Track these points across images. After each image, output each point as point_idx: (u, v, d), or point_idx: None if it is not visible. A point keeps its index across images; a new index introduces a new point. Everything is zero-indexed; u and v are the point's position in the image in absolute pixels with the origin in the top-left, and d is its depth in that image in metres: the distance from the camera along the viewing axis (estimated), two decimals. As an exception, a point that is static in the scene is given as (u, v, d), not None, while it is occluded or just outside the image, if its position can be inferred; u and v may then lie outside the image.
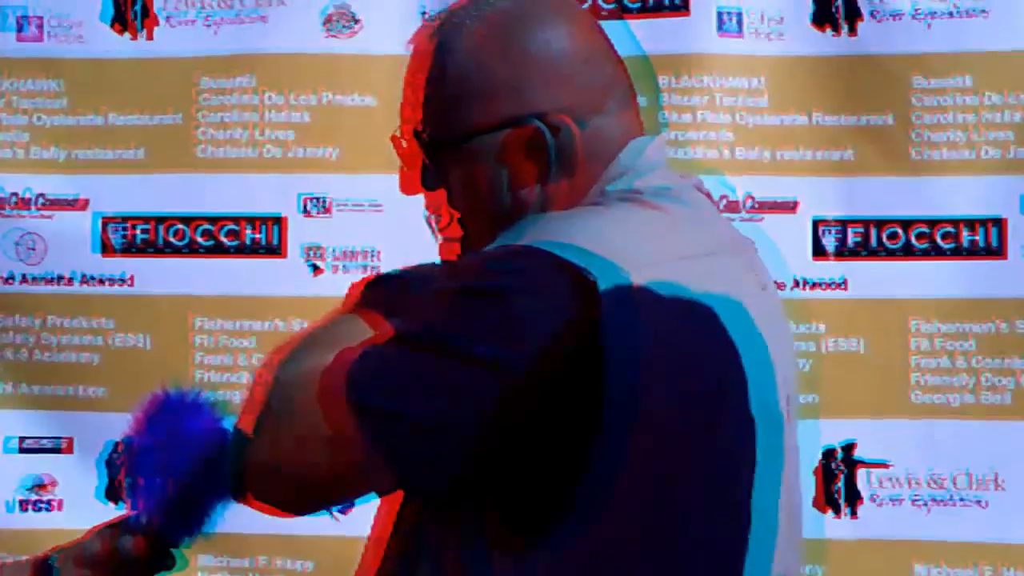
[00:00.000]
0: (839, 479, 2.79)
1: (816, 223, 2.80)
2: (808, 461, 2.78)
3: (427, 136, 1.29)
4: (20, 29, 2.94)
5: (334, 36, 2.88)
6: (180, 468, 1.57)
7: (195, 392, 1.62)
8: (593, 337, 1.11)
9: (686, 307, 1.18)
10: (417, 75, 1.31)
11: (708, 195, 1.39)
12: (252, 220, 2.89)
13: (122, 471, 2.91)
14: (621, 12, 2.81)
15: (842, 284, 2.79)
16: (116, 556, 1.63)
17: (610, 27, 1.43)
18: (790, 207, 2.79)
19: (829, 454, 2.80)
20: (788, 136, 2.80)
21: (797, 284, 2.79)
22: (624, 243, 1.18)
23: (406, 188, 1.37)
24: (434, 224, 1.42)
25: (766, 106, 2.81)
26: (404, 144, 1.34)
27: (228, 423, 1.65)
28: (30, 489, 2.92)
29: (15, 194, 2.92)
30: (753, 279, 1.34)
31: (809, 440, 2.75)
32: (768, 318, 1.29)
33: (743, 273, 1.32)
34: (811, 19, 2.78)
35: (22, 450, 2.91)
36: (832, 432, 2.80)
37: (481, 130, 1.25)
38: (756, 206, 2.79)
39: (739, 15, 2.77)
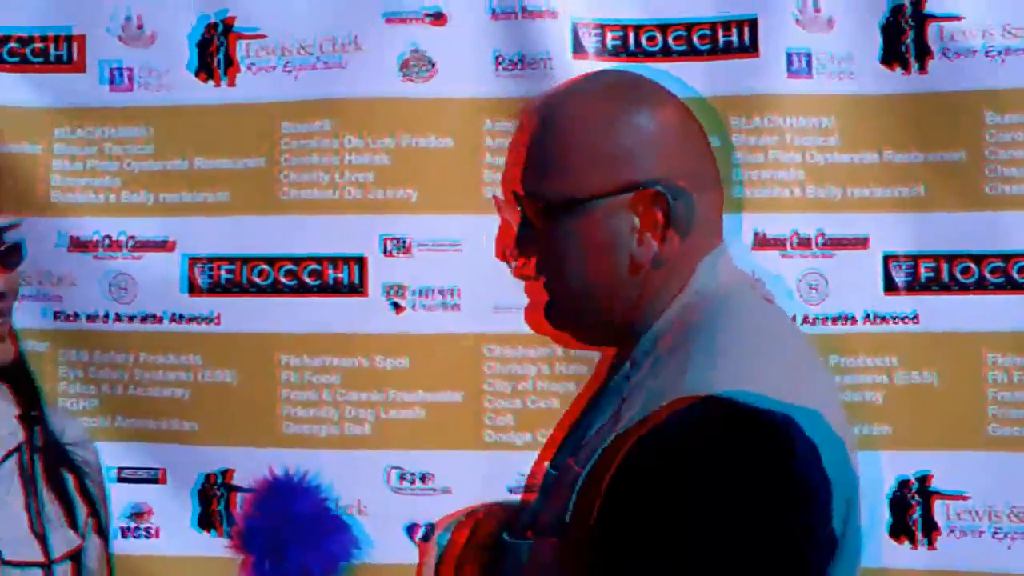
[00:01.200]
0: (914, 510, 2.82)
1: (887, 258, 2.82)
2: (882, 491, 2.83)
3: (536, 200, 1.37)
4: (112, 81, 3.04)
5: (410, 80, 2.95)
6: (289, 548, 1.72)
7: (301, 474, 1.76)
8: None
9: None
10: (528, 142, 1.39)
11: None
12: (334, 260, 2.96)
13: (214, 502, 3.03)
14: (692, 54, 2.85)
15: (913, 318, 2.82)
16: None
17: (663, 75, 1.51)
18: (862, 243, 2.83)
19: (904, 485, 2.83)
20: (859, 173, 2.82)
21: (868, 319, 2.82)
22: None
23: (498, 252, 1.45)
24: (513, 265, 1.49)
25: (837, 144, 2.84)
26: (508, 209, 1.42)
27: (332, 503, 1.79)
28: (129, 517, 3.04)
29: (108, 236, 3.04)
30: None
31: (882, 470, 2.80)
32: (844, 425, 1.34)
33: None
34: (880, 58, 2.80)
35: (120, 479, 3.02)
36: (907, 463, 2.83)
37: (601, 194, 1.34)
38: (827, 243, 2.82)
39: (808, 55, 2.81)
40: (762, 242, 2.82)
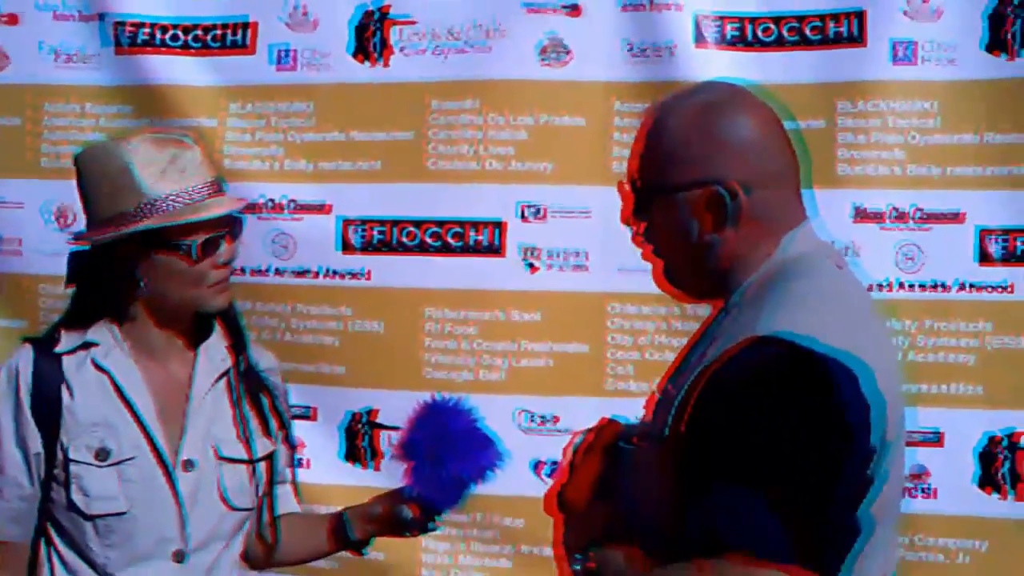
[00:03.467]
0: (1001, 464, 3.06)
1: (981, 232, 3.06)
2: (971, 445, 3.09)
3: (640, 185, 1.71)
4: (279, 61, 3.39)
5: (548, 65, 3.25)
6: (445, 457, 2.02)
7: (456, 398, 2.07)
8: None
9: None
10: (641, 140, 1.73)
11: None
12: (476, 224, 3.28)
13: (360, 437, 3.34)
14: (803, 44, 3.12)
15: (1007, 287, 3.06)
16: (394, 518, 2.10)
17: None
18: (957, 218, 3.07)
19: (992, 440, 3.07)
20: (957, 154, 3.06)
21: (963, 287, 3.07)
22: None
23: (624, 220, 1.78)
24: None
25: (937, 126, 3.07)
26: (626, 188, 1.76)
27: (481, 423, 2.07)
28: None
29: (271, 200, 3.38)
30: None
31: (973, 426, 3.05)
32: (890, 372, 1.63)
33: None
34: (983, 46, 3.04)
35: None
36: (996, 421, 3.07)
37: (680, 187, 1.66)
38: (923, 217, 3.07)
39: (912, 44, 3.06)
40: (862, 215, 3.07)
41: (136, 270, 2.06)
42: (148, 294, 2.09)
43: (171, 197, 2.03)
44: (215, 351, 2.19)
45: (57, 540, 2.10)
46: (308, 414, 3.38)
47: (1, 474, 2.09)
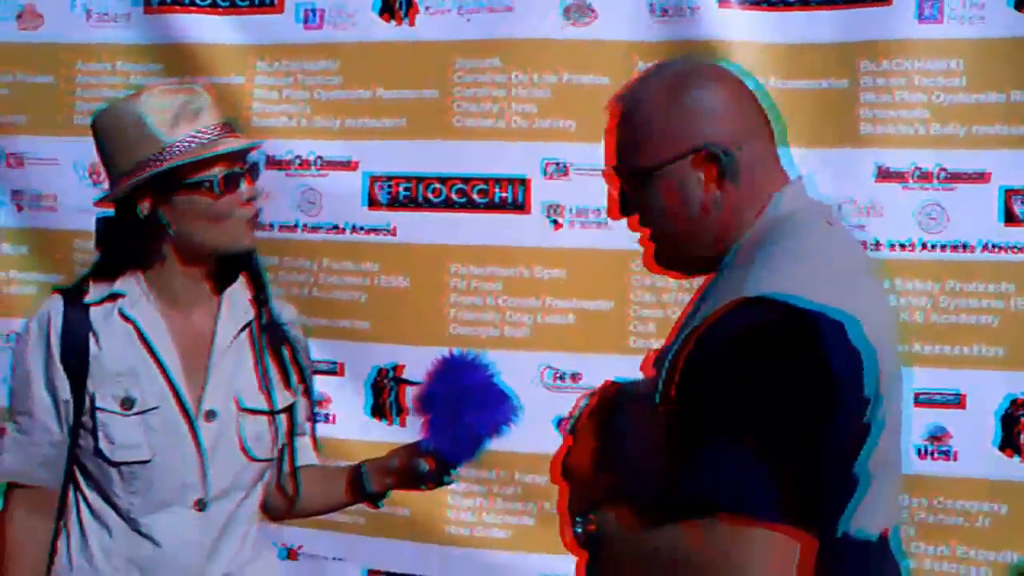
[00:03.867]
0: (1023, 427, 3.07)
1: (1007, 192, 3.05)
2: (994, 408, 3.09)
3: (627, 176, 1.74)
4: (306, 20, 3.42)
5: (572, 24, 3.27)
6: (461, 411, 2.05)
7: (474, 353, 2.09)
8: None
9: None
10: (615, 132, 1.76)
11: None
12: (500, 181, 3.31)
13: (385, 393, 3.39)
14: (827, 4, 3.10)
15: (1032, 249, 3.04)
16: (411, 471, 2.14)
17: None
18: (982, 178, 3.06)
19: (1014, 403, 3.07)
20: (983, 113, 3.04)
21: (986, 248, 3.07)
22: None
23: (612, 213, 1.82)
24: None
25: (962, 85, 3.05)
26: (610, 187, 1.79)
27: (498, 379, 2.10)
28: (309, 405, 3.42)
29: (299, 156, 3.42)
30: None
31: (995, 389, 3.06)
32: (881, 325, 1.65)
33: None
34: (1012, 3, 3.00)
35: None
36: (1018, 383, 3.07)
37: (671, 160, 1.69)
38: (948, 176, 3.07)
39: (939, 2, 3.03)
40: (885, 175, 3.07)
41: (161, 216, 2.11)
42: (175, 239, 2.13)
43: (185, 139, 2.07)
44: (238, 302, 2.24)
45: (84, 486, 2.16)
46: (334, 369, 3.44)
47: (32, 420, 2.15)
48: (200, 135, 2.09)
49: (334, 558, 3.49)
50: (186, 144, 2.07)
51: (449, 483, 2.21)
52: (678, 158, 1.68)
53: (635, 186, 1.72)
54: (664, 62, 1.85)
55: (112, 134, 2.13)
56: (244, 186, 2.13)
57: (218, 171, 2.09)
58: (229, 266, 2.23)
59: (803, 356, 1.52)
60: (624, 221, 1.77)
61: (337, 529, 3.46)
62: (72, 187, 3.57)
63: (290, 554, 3.52)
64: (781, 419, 1.50)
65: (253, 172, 2.16)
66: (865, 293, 1.66)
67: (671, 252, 1.76)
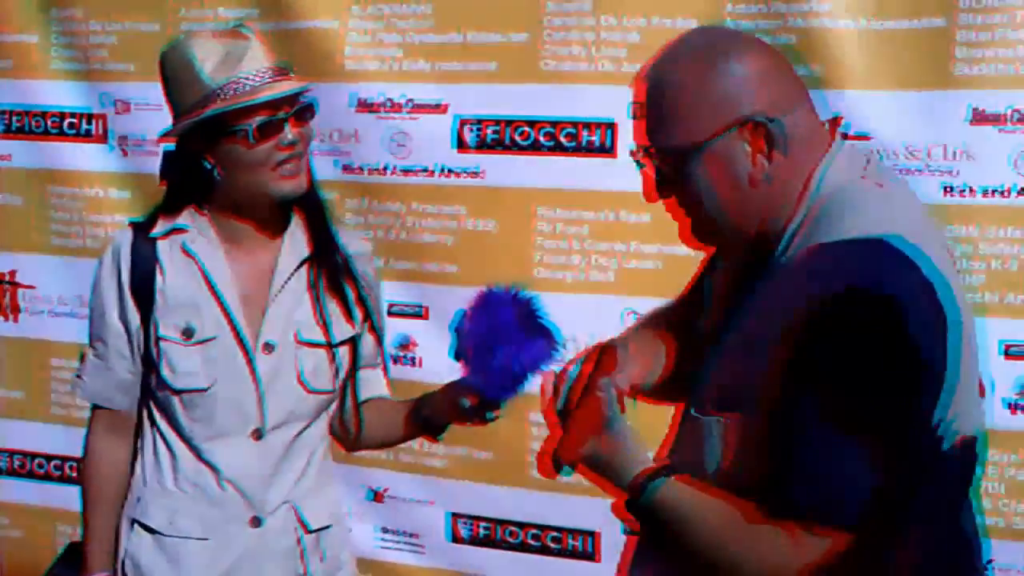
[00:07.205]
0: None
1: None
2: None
3: (664, 154, 1.68)
4: (400, -38, 3.43)
5: (664, -33, 3.20)
6: (497, 347, 2.02)
7: (515, 288, 2.06)
8: None
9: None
10: (646, 108, 1.70)
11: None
12: (588, 124, 3.28)
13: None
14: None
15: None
16: (457, 407, 2.15)
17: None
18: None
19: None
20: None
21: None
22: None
23: (648, 197, 1.77)
24: None
25: None
26: (643, 167, 1.74)
27: (542, 311, 2.05)
28: (398, 347, 3.47)
29: (390, 99, 3.45)
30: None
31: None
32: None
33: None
34: None
35: (390, 314, 3.33)
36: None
37: (716, 135, 1.64)
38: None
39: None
40: (980, 118, 2.94)
41: (206, 160, 2.15)
42: (223, 183, 2.18)
43: (228, 84, 2.10)
44: (299, 239, 2.28)
45: (155, 412, 2.26)
46: (420, 312, 3.48)
47: (107, 347, 2.26)
48: (245, 80, 2.11)
49: (419, 501, 3.54)
50: (230, 89, 2.10)
51: (493, 419, 2.20)
52: (724, 130, 1.63)
53: (675, 164, 1.67)
54: (686, 34, 1.78)
55: (169, 74, 2.19)
56: (288, 129, 2.15)
57: (257, 119, 2.11)
58: (290, 207, 2.27)
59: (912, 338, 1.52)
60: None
61: (422, 472, 3.51)
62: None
63: (376, 496, 3.58)
64: (898, 426, 1.53)
65: (301, 115, 2.18)
66: (940, 250, 1.63)
67: (711, 227, 1.71)
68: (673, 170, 1.67)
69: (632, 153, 1.76)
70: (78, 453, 2.39)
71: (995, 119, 2.93)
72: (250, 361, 2.19)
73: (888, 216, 1.61)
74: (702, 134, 1.64)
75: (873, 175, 1.71)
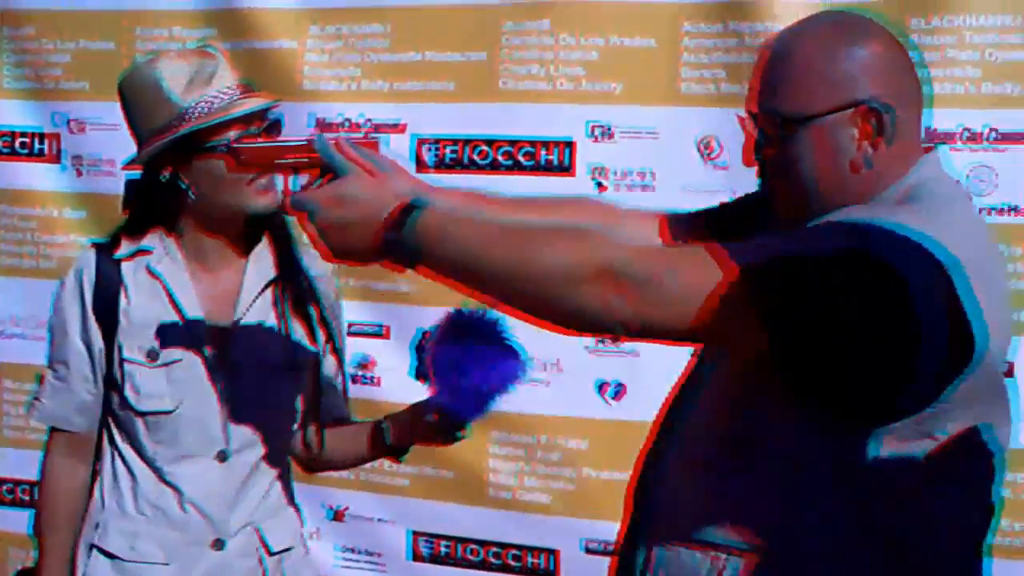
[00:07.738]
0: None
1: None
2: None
3: (772, 118, 1.69)
4: (357, -18, 3.43)
5: (620, -15, 3.23)
6: (466, 367, 2.02)
7: (482, 309, 2.05)
8: None
9: None
10: (765, 72, 1.71)
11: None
12: (546, 143, 3.30)
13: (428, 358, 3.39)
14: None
15: (1084, 210, 2.95)
16: (422, 427, 2.15)
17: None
18: (1031, 138, 2.96)
19: None
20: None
21: (1039, 210, 2.97)
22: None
23: (746, 160, 1.76)
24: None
25: (1019, 42, 2.95)
26: (749, 126, 1.74)
27: (508, 332, 2.06)
28: (357, 365, 3.46)
29: (348, 119, 3.45)
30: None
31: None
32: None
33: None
34: None
35: (349, 333, 3.38)
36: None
37: (829, 111, 1.65)
38: (999, 137, 2.98)
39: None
40: (930, 136, 2.97)
41: (181, 180, 2.15)
42: (196, 201, 2.17)
43: (199, 103, 2.10)
44: (264, 260, 2.27)
45: (116, 433, 2.23)
46: (380, 332, 3.47)
47: (68, 369, 2.23)
48: (216, 98, 2.12)
49: (380, 519, 3.53)
50: (203, 107, 2.10)
51: (460, 439, 2.20)
52: (838, 109, 1.64)
53: (781, 131, 1.68)
54: (819, 13, 1.80)
55: (132, 98, 2.18)
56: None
57: (232, 134, 2.12)
58: (259, 226, 2.26)
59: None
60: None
61: (383, 491, 3.51)
62: (130, 152, 3.62)
63: (336, 515, 3.57)
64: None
65: (271, 130, 2.19)
66: (992, 268, 1.65)
67: (799, 200, 1.69)
68: (777, 136, 1.68)
69: (739, 118, 1.76)
70: (31, 476, 2.36)
71: (947, 137, 2.98)
72: (215, 383, 2.18)
73: (947, 222, 1.60)
74: (815, 107, 1.65)
75: (961, 187, 1.75)
